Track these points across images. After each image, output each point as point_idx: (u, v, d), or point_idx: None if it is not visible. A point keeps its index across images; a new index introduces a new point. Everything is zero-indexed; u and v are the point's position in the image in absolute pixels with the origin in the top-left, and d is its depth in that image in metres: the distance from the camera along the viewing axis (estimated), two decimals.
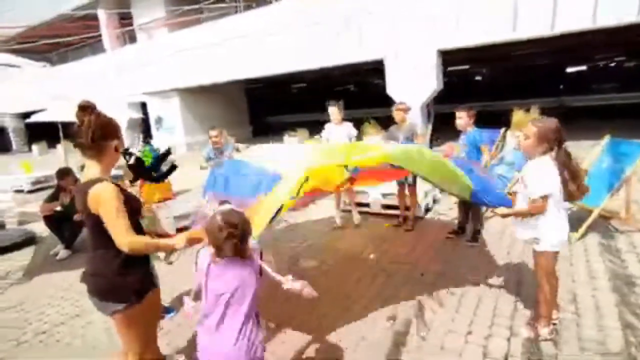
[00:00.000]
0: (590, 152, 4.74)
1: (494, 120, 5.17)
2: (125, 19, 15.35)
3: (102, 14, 15.40)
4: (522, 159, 4.81)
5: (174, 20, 13.00)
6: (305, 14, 10.06)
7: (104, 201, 1.76)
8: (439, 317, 2.90)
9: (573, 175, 2.33)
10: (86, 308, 3.46)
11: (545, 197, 2.31)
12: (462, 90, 19.58)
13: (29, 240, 5.57)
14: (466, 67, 19.44)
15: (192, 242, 1.94)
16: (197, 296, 1.80)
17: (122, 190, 1.86)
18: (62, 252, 4.88)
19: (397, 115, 4.59)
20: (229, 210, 1.74)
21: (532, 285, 2.86)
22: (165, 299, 3.32)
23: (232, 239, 1.65)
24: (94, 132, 1.81)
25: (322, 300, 3.17)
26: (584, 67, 20.34)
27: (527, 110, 7.90)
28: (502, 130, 5.69)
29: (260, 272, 1.79)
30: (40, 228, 5.81)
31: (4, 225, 6.38)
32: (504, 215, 2.68)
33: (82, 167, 2.03)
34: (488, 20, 7.86)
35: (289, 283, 1.79)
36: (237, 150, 4.68)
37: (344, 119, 4.95)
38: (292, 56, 10.69)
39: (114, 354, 2.34)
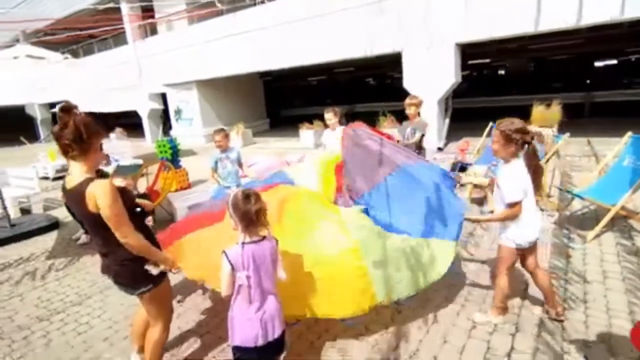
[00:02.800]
0: (614, 149, 4.60)
1: (516, 114, 5.05)
2: (147, 12, 15.60)
3: (124, 6, 15.73)
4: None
5: (195, 13, 13.13)
6: (323, 5, 10.00)
7: (102, 200, 1.80)
8: (445, 310, 2.91)
9: (534, 174, 2.45)
10: (102, 288, 3.63)
11: (519, 203, 2.40)
12: (482, 84, 19.14)
13: (53, 225, 5.82)
14: (487, 60, 18.94)
15: (173, 266, 2.15)
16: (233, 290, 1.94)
17: (114, 185, 1.92)
18: (83, 237, 5.08)
19: (408, 109, 4.46)
20: (243, 189, 1.93)
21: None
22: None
23: (257, 207, 1.84)
24: (79, 132, 1.83)
25: None
26: (614, 61, 19.51)
27: (548, 106, 7.74)
28: None
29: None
30: (63, 214, 6.07)
31: (30, 210, 6.70)
32: (475, 221, 2.72)
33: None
34: (510, 11, 7.63)
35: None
36: (239, 164, 4.48)
37: (341, 124, 4.75)
38: (310, 49, 10.67)
39: (132, 330, 2.47)
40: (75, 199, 1.86)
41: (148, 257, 2.02)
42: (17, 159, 10.50)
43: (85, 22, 16.13)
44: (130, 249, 1.92)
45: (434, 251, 2.58)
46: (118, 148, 10.19)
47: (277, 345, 1.97)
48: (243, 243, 1.88)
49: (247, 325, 1.89)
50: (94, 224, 1.88)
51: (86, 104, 7.47)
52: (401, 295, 2.46)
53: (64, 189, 1.99)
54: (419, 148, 4.42)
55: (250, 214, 1.83)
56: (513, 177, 2.41)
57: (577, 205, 4.79)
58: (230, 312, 1.94)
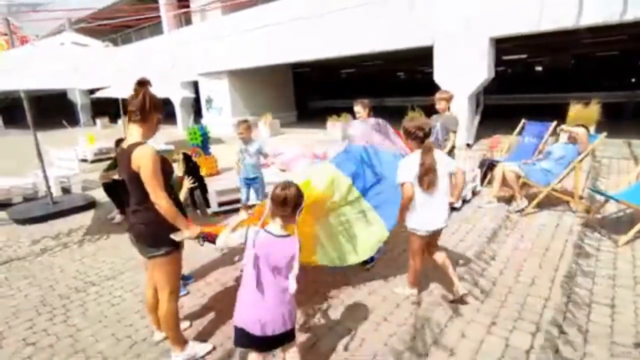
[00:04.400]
0: None
1: (552, 112, 4.90)
2: (182, 1, 15.99)
3: None
4: (573, 154, 4.58)
5: (230, 3, 13.33)
6: (355, 1, 9.94)
7: (144, 161, 2.06)
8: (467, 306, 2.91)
9: (425, 170, 2.64)
10: (134, 265, 3.84)
11: (402, 184, 2.71)
12: (518, 80, 18.47)
13: (90, 204, 6.18)
14: (524, 56, 18.23)
15: (200, 234, 2.27)
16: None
17: (157, 153, 2.15)
18: (118, 217, 5.37)
19: (438, 103, 4.47)
20: (286, 181, 1.95)
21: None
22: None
23: (287, 200, 1.84)
24: (145, 102, 2.16)
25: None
26: None
27: (586, 104, 7.43)
28: (554, 123, 5.40)
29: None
30: (100, 194, 6.40)
31: (70, 190, 7.12)
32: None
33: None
34: (549, 4, 7.32)
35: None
36: (263, 154, 4.61)
37: (370, 115, 4.76)
38: (340, 41, 10.64)
39: (147, 307, 2.64)
40: (125, 157, 2.12)
41: (174, 222, 2.16)
42: (59, 142, 11.11)
43: (124, 11, 16.72)
44: (159, 209, 2.11)
45: (370, 235, 3.06)
46: None
47: (277, 340, 1.95)
48: (265, 230, 1.89)
49: (245, 311, 1.90)
50: (134, 181, 2.14)
51: (124, 91, 7.80)
52: (323, 263, 2.87)
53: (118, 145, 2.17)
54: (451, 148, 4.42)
55: (280, 198, 1.83)
56: (402, 163, 2.78)
57: (611, 208, 4.62)
58: (239, 290, 1.97)
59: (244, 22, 12.99)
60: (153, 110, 2.20)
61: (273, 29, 12.11)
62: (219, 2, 14.17)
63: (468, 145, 9.06)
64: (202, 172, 6.50)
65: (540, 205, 4.77)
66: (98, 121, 21.43)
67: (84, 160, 10.38)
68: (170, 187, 2.38)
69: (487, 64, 8.46)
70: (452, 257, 3.48)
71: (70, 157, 7.69)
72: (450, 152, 4.34)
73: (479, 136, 9.66)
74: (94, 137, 11.56)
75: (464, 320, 2.74)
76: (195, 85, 16.39)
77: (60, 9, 16.35)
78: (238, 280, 3.46)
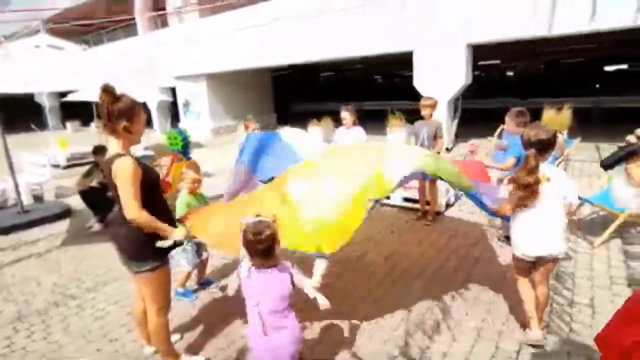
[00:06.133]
0: None
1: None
2: (158, 2, 15.65)
3: None
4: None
5: (208, 6, 13.14)
6: (334, 1, 10.01)
7: (120, 174, 2.01)
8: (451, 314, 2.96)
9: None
10: (117, 276, 3.71)
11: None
12: (492, 85, 19.06)
13: (66, 212, 5.92)
14: (497, 61, 18.85)
15: (187, 236, 2.21)
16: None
17: (139, 164, 2.10)
18: (96, 226, 5.17)
19: (424, 110, 4.55)
20: (257, 221, 1.84)
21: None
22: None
23: (260, 247, 1.80)
24: (109, 112, 2.05)
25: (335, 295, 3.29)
26: (624, 66, 19.37)
27: (559, 110, 7.70)
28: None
29: (292, 282, 1.93)
30: (75, 201, 6.15)
31: (43, 197, 6.80)
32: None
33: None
34: (523, 13, 7.61)
35: (317, 296, 1.94)
36: None
37: (355, 123, 4.85)
38: (320, 45, 10.69)
39: (135, 321, 2.55)
40: (107, 169, 2.08)
41: (155, 231, 2.11)
42: (28, 146, 10.61)
43: (97, 12, 16.21)
44: (135, 224, 2.05)
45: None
46: None
47: None
48: (252, 266, 1.90)
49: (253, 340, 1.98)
50: (118, 194, 2.08)
51: (96, 95, 7.52)
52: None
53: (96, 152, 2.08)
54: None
55: (253, 245, 1.82)
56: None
57: (586, 210, 4.83)
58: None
59: (223, 25, 12.84)
60: (119, 118, 2.06)
61: (250, 32, 12.04)
62: (195, 5, 13.96)
63: (447, 149, 9.27)
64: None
65: None
66: (69, 124, 20.61)
67: (56, 166, 9.95)
68: (160, 192, 2.33)
69: (464, 70, 8.70)
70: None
71: (41, 162, 7.35)
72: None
73: (457, 140, 9.89)
74: (65, 141, 11.10)
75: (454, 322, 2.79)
76: (172, 89, 16.04)
77: (26, 9, 15.68)
78: (224, 289, 3.41)
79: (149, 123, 16.83)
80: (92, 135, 11.77)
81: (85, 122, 20.46)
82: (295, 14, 10.87)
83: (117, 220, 2.17)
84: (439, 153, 4.36)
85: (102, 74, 4.65)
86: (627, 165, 3.97)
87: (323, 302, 1.91)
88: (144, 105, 2.37)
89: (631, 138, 3.97)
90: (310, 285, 1.95)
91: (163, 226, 2.14)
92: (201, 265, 3.40)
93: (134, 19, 15.81)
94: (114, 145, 2.11)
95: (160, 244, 2.13)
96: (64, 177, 8.35)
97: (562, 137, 4.75)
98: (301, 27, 10.87)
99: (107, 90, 2.05)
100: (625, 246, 3.89)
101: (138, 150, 9.02)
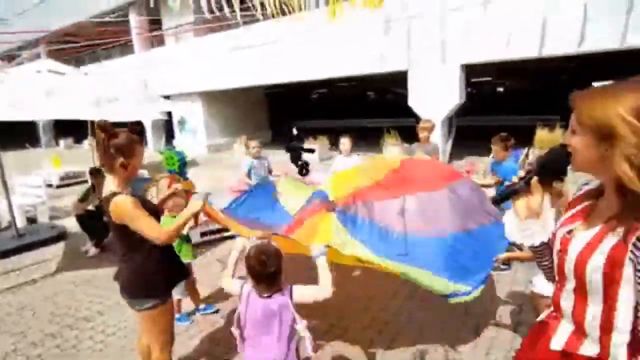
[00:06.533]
0: None
1: (514, 136, 5.17)
2: (154, 23, 15.80)
3: (133, 18, 15.96)
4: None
5: (204, 26, 13.31)
6: (330, 21, 10.18)
7: (125, 212, 1.97)
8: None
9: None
10: (113, 305, 3.63)
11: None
12: (484, 102, 19.40)
13: (60, 235, 5.82)
14: (489, 78, 19.25)
15: (205, 203, 2.20)
16: (238, 323, 1.86)
17: (136, 197, 2.07)
18: (92, 250, 5.09)
19: (421, 133, 4.58)
20: (262, 245, 1.79)
21: None
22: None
23: (263, 273, 1.74)
24: (105, 150, 2.02)
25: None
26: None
27: (552, 129, 7.90)
28: (526, 149, 5.69)
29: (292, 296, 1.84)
30: (70, 224, 6.05)
31: (36, 219, 6.68)
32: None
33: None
34: (515, 36, 7.83)
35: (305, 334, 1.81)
36: (269, 171, 5.00)
37: (352, 152, 4.90)
38: (314, 64, 10.84)
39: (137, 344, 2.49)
40: (106, 206, 2.03)
41: (181, 229, 2.14)
42: (20, 165, 10.51)
43: (92, 31, 16.30)
44: (170, 241, 2.11)
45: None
46: None
47: None
48: (252, 289, 1.83)
49: None
50: (117, 233, 2.08)
51: (91, 114, 7.49)
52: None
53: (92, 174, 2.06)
54: None
55: (255, 270, 1.76)
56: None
57: None
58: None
59: (218, 45, 12.99)
60: (115, 155, 2.01)
61: (246, 52, 12.20)
62: (190, 26, 14.12)
63: None
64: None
65: None
66: (62, 142, 20.49)
67: (49, 185, 9.81)
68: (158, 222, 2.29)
69: (458, 89, 8.87)
70: None
71: (36, 183, 7.24)
72: None
73: (451, 159, 9.99)
74: (59, 160, 11.00)
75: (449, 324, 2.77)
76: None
77: (17, 31, 15.80)
78: (224, 317, 3.35)
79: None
80: (85, 153, 11.69)
81: (78, 140, 20.36)
82: (288, 34, 11.03)
83: (119, 257, 2.16)
84: None
85: (96, 93, 4.65)
86: (513, 202, 4.01)
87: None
88: (139, 123, 2.31)
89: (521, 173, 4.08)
90: (320, 263, 1.87)
91: (182, 217, 2.12)
92: (192, 290, 3.36)
93: (130, 39, 15.95)
94: (109, 183, 2.07)
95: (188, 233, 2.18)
96: (57, 197, 8.24)
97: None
98: (294, 47, 11.05)
99: (103, 126, 2.01)
100: None
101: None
